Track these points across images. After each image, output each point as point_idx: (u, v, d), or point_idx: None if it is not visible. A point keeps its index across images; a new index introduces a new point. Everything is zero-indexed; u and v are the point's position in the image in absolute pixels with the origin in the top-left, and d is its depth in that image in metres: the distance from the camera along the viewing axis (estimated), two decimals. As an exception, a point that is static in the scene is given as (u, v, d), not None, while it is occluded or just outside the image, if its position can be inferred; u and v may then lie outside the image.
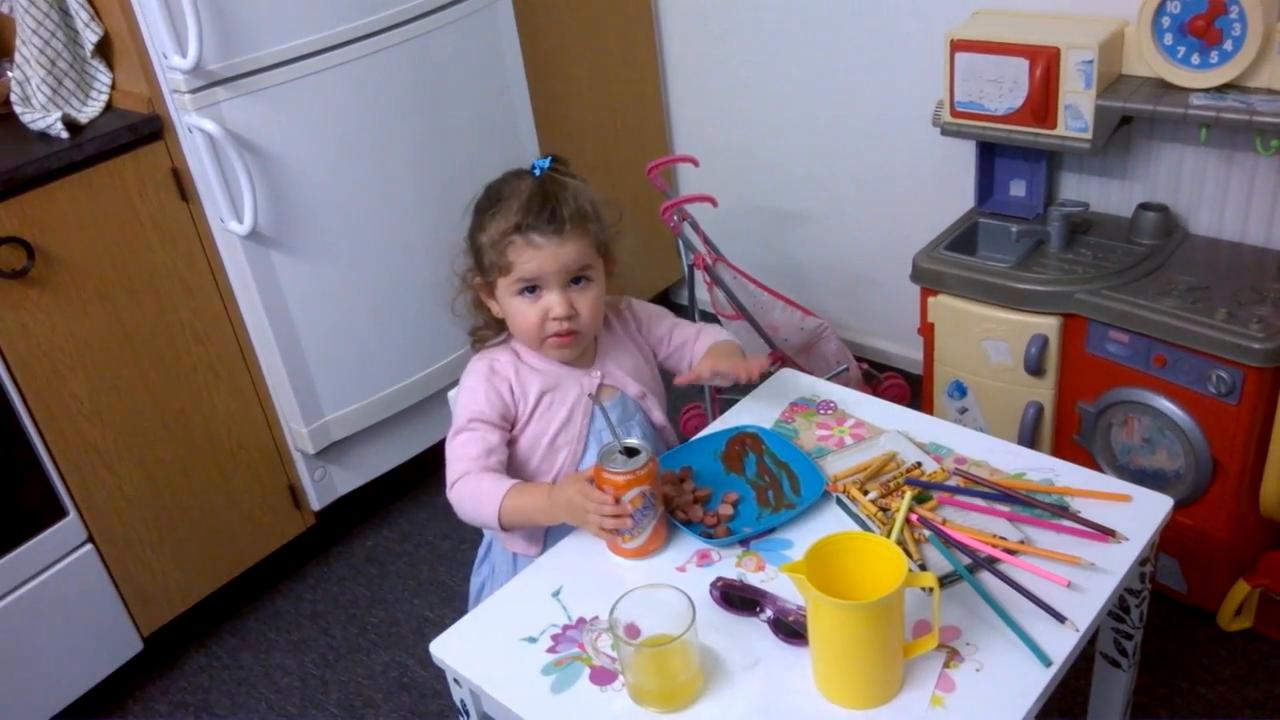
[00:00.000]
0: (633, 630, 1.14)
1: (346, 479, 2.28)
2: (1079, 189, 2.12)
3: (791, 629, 1.16)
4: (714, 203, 2.30)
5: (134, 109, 1.84)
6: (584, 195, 1.37)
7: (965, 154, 2.18)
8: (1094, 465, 1.96)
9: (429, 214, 2.14)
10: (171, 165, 1.86)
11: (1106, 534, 1.25)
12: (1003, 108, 1.94)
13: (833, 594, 1.03)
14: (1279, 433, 1.75)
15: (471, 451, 1.39)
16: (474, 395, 1.42)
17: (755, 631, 1.18)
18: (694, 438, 1.48)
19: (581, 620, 1.23)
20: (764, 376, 1.50)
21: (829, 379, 2.33)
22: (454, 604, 2.17)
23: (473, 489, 1.36)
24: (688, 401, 2.55)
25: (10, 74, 1.84)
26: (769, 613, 1.18)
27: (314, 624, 2.21)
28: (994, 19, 2.01)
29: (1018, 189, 2.14)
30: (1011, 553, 1.23)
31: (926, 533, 1.26)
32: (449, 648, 1.23)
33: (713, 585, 1.23)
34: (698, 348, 1.51)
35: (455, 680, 1.23)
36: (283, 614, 2.25)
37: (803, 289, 2.72)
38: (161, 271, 1.89)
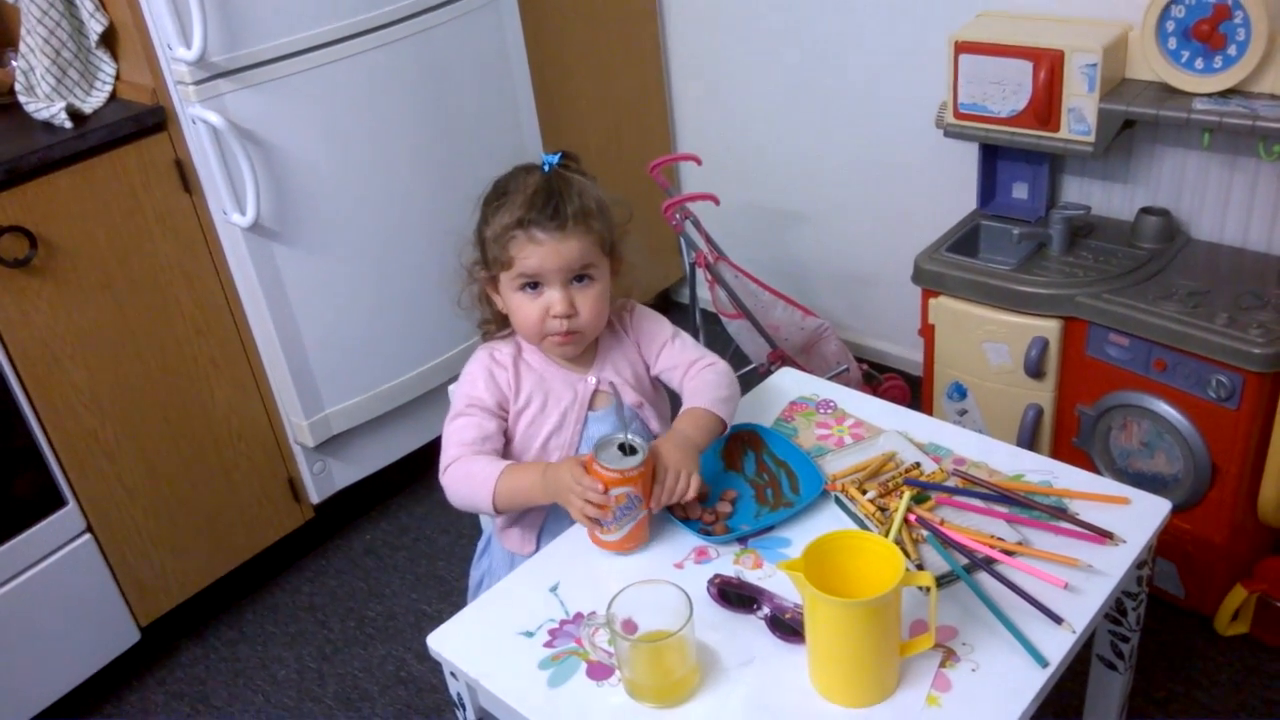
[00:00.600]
0: (630, 626, 1.14)
1: (346, 473, 2.28)
2: (1081, 192, 2.12)
3: (788, 627, 1.16)
4: (716, 201, 2.30)
5: (138, 100, 1.84)
6: (590, 193, 1.37)
7: (968, 155, 2.18)
8: (1093, 468, 1.96)
9: (432, 209, 2.14)
10: (175, 156, 1.86)
11: (1104, 536, 1.25)
12: (1006, 110, 1.94)
13: (830, 592, 1.04)
14: (1278, 438, 1.75)
15: (467, 436, 1.39)
16: (473, 382, 1.43)
17: (752, 629, 1.18)
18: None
19: (579, 615, 1.23)
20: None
21: (829, 379, 2.34)
22: (452, 599, 2.18)
23: (466, 471, 1.36)
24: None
25: (15, 63, 1.84)
26: (766, 610, 1.19)
27: (311, 616, 2.21)
28: (998, 21, 2.01)
29: (1020, 191, 2.14)
30: (1009, 554, 1.23)
31: (924, 532, 1.26)
32: (446, 641, 1.23)
33: (710, 582, 1.23)
34: (685, 386, 1.45)
35: (452, 674, 1.24)
36: (280, 606, 2.25)
37: (804, 289, 2.72)
38: (163, 263, 1.90)
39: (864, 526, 1.30)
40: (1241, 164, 1.89)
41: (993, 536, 1.25)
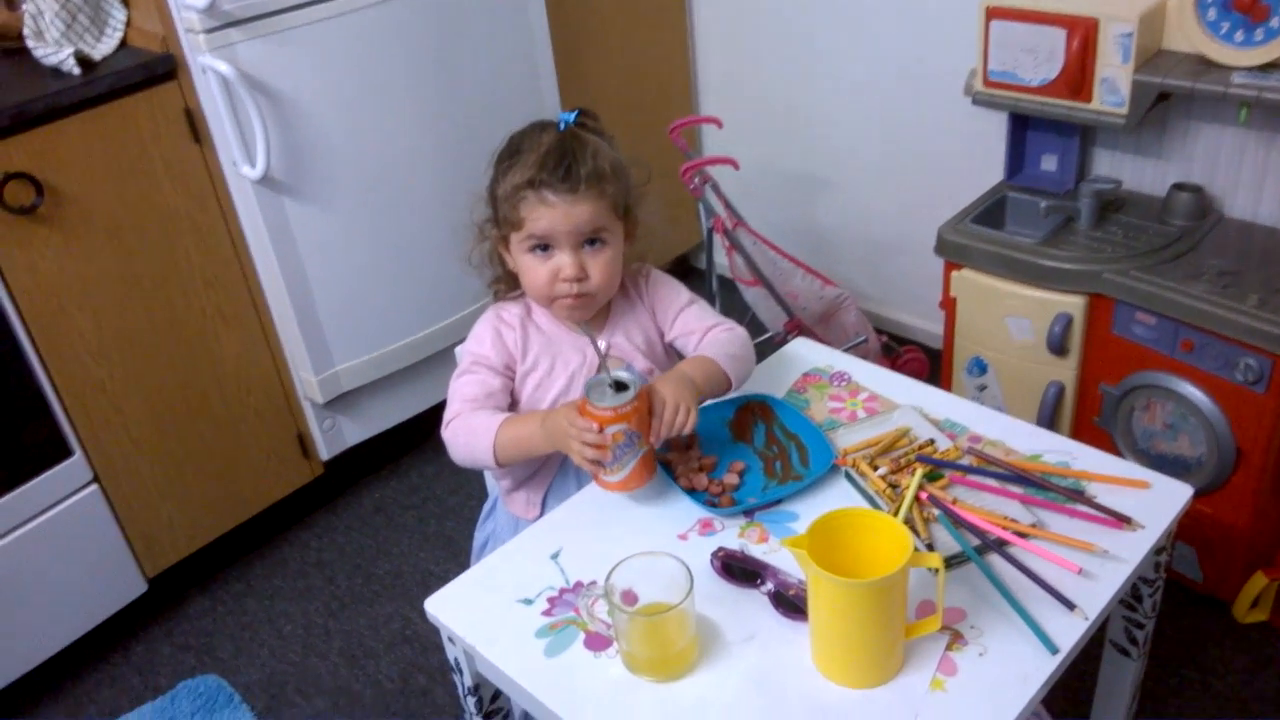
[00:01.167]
0: (630, 597, 1.11)
1: (356, 430, 2.27)
2: (1112, 166, 2.06)
3: (792, 603, 1.14)
4: (736, 165, 2.25)
5: (148, 47, 1.81)
6: (605, 154, 1.33)
7: (997, 125, 2.12)
8: (1114, 449, 1.92)
9: (446, 166, 2.11)
10: (185, 106, 1.83)
11: (1122, 521, 1.22)
12: (1037, 79, 1.88)
13: (835, 570, 1.01)
14: (1305, 423, 1.71)
15: (470, 392, 1.37)
16: (480, 340, 1.40)
17: (755, 604, 1.16)
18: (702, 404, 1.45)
19: (579, 584, 1.21)
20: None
21: (846, 350, 2.30)
22: (459, 559, 2.17)
23: (466, 425, 1.34)
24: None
25: (24, 8, 1.81)
26: (770, 586, 1.16)
27: (319, 572, 2.21)
28: (1032, -14, 1.95)
29: (1049, 163, 2.08)
30: (1022, 536, 1.20)
31: (936, 511, 1.23)
32: (444, 605, 1.21)
33: (713, 555, 1.20)
34: (698, 347, 1.42)
35: (449, 639, 1.22)
36: (289, 561, 2.25)
37: (824, 257, 2.68)
38: (172, 213, 1.87)
39: (874, 503, 1.27)
40: (1279, 141, 1.83)
41: (1006, 518, 1.22)
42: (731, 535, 1.25)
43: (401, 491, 2.40)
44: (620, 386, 1.24)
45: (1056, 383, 1.96)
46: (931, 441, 1.34)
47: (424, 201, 2.11)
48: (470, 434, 1.33)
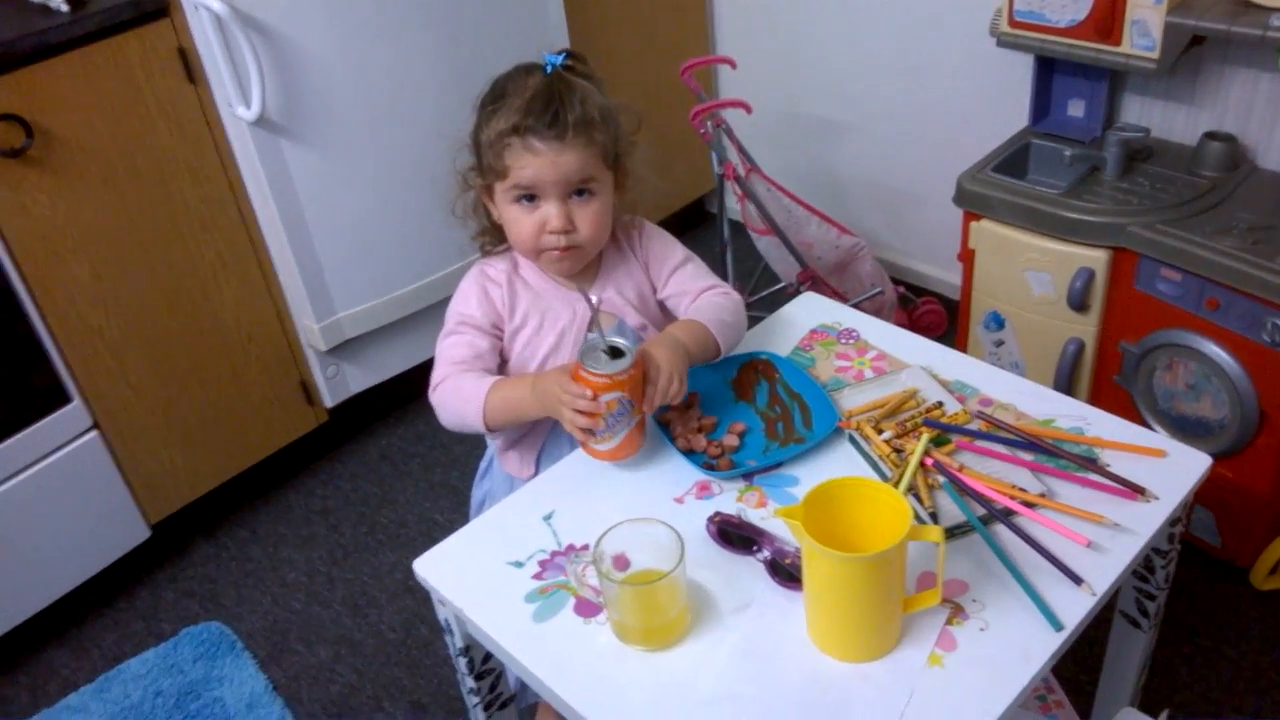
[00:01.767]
0: (621, 562, 1.08)
1: (360, 377, 2.24)
2: (1141, 113, 1.98)
3: (788, 572, 1.10)
4: (748, 109, 2.18)
5: (139, -19, 1.75)
6: (594, 100, 1.27)
7: (1022, 68, 2.04)
8: (1133, 409, 1.87)
9: (450, 108, 2.03)
10: (178, 45, 1.78)
11: (1136, 491, 1.17)
12: (1065, 20, 1.79)
13: (832, 541, 0.97)
14: (1333, 387, 1.65)
15: (457, 354, 1.33)
16: (465, 299, 1.36)
17: (750, 571, 1.12)
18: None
19: (571, 547, 1.18)
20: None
21: (861, 302, 2.25)
22: (464, 509, 2.12)
23: (454, 388, 1.30)
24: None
25: (14, -60, 1.76)
26: (766, 553, 1.12)
27: (323, 520, 2.20)
28: (1064, -79, 1.85)
29: (1075, 109, 2.00)
30: (1030, 506, 1.15)
31: (940, 479, 1.19)
32: (433, 567, 1.19)
33: (709, 520, 1.17)
34: (690, 309, 1.37)
35: (439, 600, 1.19)
36: (293, 508, 2.23)
37: (840, 205, 2.61)
38: (167, 156, 1.83)
39: (877, 468, 1.22)
40: (1320, 88, 1.74)
41: (1014, 486, 1.17)
42: (729, 499, 1.22)
43: (407, 440, 2.38)
44: (616, 353, 1.20)
45: (1076, 339, 1.90)
46: (940, 404, 1.30)
47: (426, 145, 2.03)
48: (459, 398, 1.29)
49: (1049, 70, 1.99)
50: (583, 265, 1.35)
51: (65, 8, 1.68)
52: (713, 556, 1.15)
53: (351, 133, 1.96)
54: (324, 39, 1.86)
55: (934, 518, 1.15)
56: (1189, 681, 1.70)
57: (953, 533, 1.13)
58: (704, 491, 1.23)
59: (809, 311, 1.53)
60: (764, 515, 1.19)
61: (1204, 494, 1.78)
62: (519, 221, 1.29)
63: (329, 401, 2.22)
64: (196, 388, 2.01)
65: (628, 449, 1.23)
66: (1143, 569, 1.27)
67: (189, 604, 2.03)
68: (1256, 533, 1.81)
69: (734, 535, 1.15)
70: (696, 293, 1.39)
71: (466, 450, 2.31)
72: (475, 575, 1.16)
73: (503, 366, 1.38)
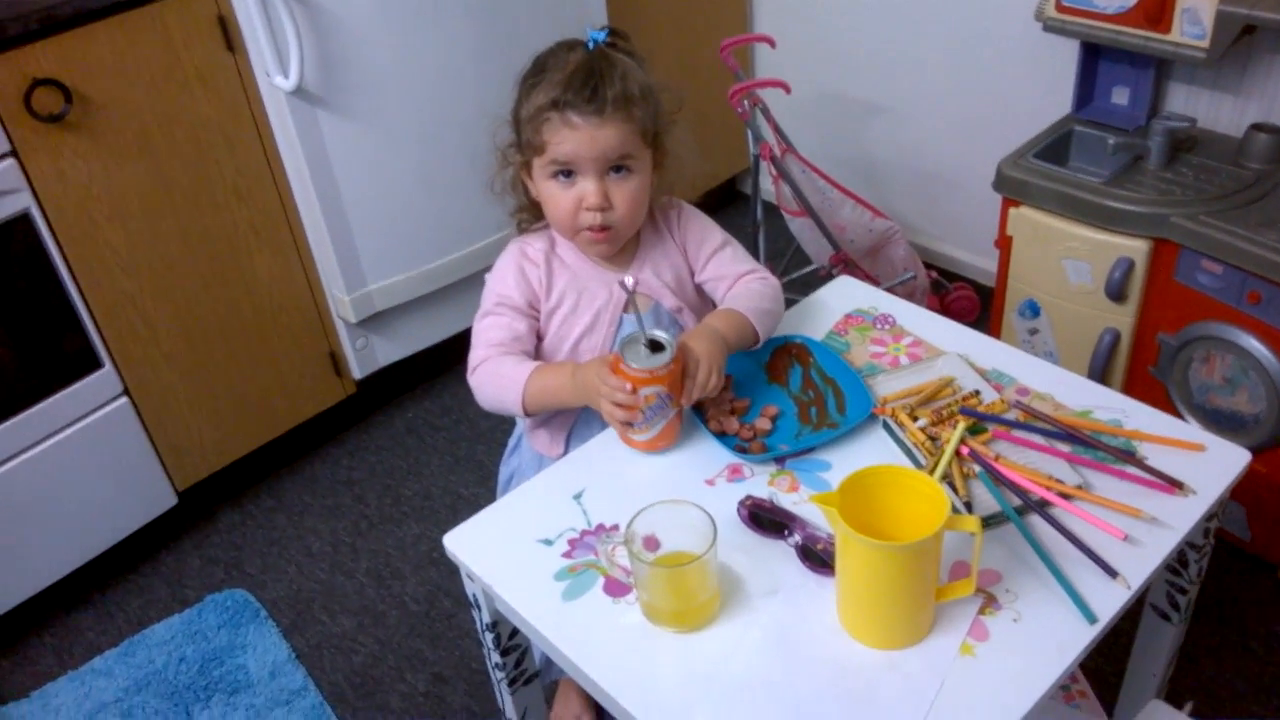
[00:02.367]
0: (651, 542, 1.08)
1: (389, 350, 2.24)
2: (1187, 102, 1.94)
3: (819, 558, 1.09)
4: (787, 89, 2.16)
5: (179, -53, 1.75)
6: (635, 76, 1.25)
7: (1067, 54, 2.01)
8: (1167, 401, 1.85)
9: (486, 81, 2.03)
10: (218, 12, 1.77)
11: (1174, 486, 1.15)
12: (1114, 6, 1.76)
13: (866, 529, 0.96)
14: (1375, 385, 1.62)
15: (495, 337, 1.33)
16: (503, 279, 1.35)
17: (781, 556, 1.12)
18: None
19: (601, 527, 1.18)
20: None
21: (894, 286, 2.23)
22: (489, 484, 2.15)
23: (494, 372, 1.30)
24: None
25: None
26: (797, 538, 1.12)
27: (349, 491, 2.21)
28: (1115, -96, 1.82)
29: (1120, 97, 1.97)
30: (1066, 497, 1.14)
31: (976, 468, 1.17)
32: (463, 542, 1.19)
33: (741, 503, 1.16)
34: (728, 295, 1.36)
35: (468, 575, 1.19)
36: (320, 478, 2.24)
37: (875, 187, 2.58)
38: (204, 124, 1.83)
39: (911, 456, 1.21)
40: (1373, 81, 1.71)
41: (1050, 477, 1.16)
42: (761, 483, 1.21)
43: (434, 413, 2.38)
44: (656, 346, 1.19)
45: (1112, 330, 1.88)
46: (976, 393, 1.28)
47: (462, 118, 2.04)
48: (498, 383, 1.29)
49: (1094, 57, 1.96)
50: (619, 246, 1.34)
51: (105, -27, 1.68)
52: (744, 540, 1.14)
53: (388, 105, 1.95)
54: (363, 10, 1.85)
55: (969, 507, 1.14)
56: (1213, 674, 1.68)
57: (988, 522, 1.12)
58: (735, 474, 1.22)
59: (844, 295, 1.51)
60: (796, 500, 1.18)
61: (1236, 488, 1.76)
62: (556, 198, 1.28)
63: (357, 374, 2.23)
64: (226, 357, 2.02)
65: (665, 440, 1.23)
66: (1176, 563, 1.26)
67: (214, 571, 2.05)
68: (1289, 530, 1.78)
69: (765, 519, 1.15)
70: (735, 277, 1.38)
71: (492, 425, 2.31)
72: (505, 552, 1.16)
73: (539, 345, 1.37)
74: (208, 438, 2.04)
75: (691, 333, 1.26)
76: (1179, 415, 1.82)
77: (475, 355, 1.33)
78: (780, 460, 1.23)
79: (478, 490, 2.15)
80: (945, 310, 2.42)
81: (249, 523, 2.15)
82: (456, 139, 2.05)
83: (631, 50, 1.29)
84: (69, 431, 1.83)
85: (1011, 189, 1.90)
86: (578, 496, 1.22)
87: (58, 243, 1.72)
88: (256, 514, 2.17)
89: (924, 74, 2.41)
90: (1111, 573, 1.06)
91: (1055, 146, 1.95)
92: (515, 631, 1.24)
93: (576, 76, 1.22)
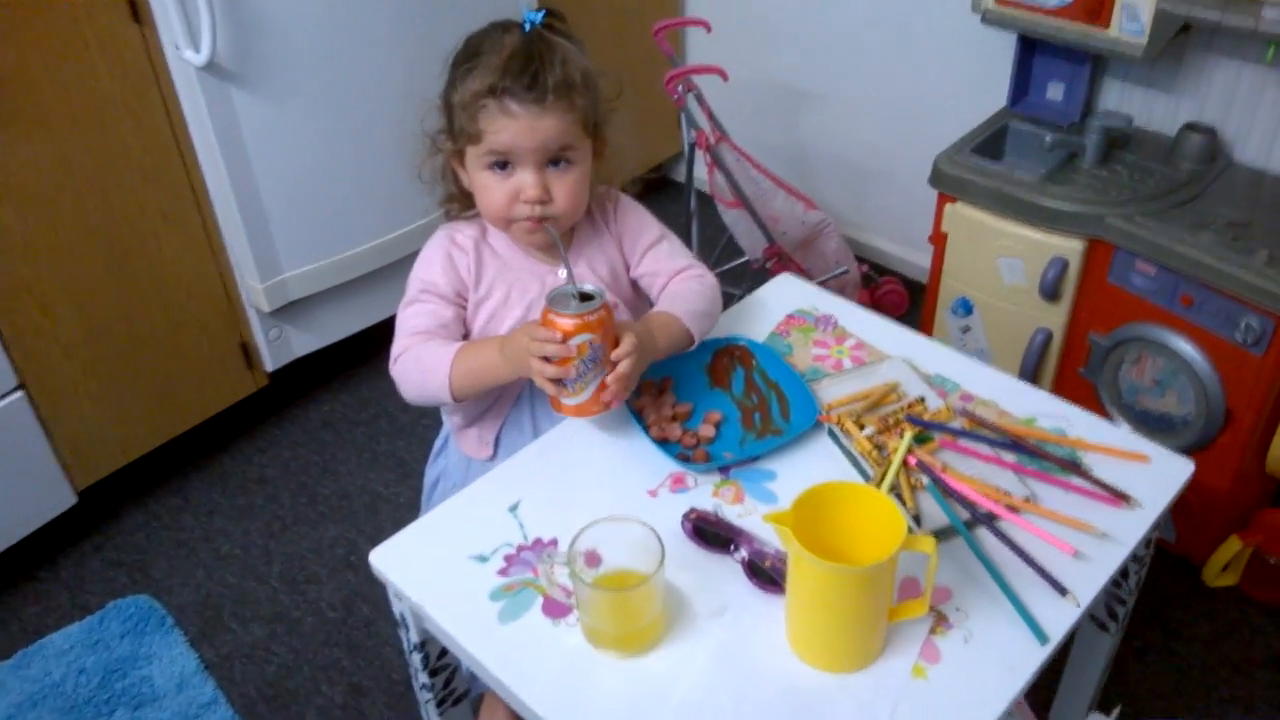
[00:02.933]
0: (592, 558, 1.02)
1: (304, 341, 2.14)
2: (1122, 99, 1.94)
3: (768, 575, 1.05)
4: (724, 76, 2.10)
5: (79, -90, 1.62)
6: (576, 62, 1.19)
7: (1003, 47, 2.00)
8: (1097, 402, 1.85)
9: (408, 60, 1.94)
10: (123, -21, 1.65)
11: (1120, 498, 1.14)
12: (1054, 0, 1.74)
13: (818, 547, 0.92)
14: (1300, 388, 1.64)
15: (420, 324, 1.26)
16: (429, 265, 1.28)
17: (727, 572, 1.07)
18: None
19: (539, 542, 1.12)
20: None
21: (827, 281, 2.20)
22: (410, 481, 2.06)
23: (417, 358, 1.23)
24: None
25: None
26: (744, 553, 1.07)
27: (261, 490, 2.10)
28: (1056, -101, 1.80)
29: (1055, 92, 1.96)
30: (1015, 510, 1.12)
31: (924, 479, 1.14)
32: (391, 558, 1.11)
33: (685, 517, 1.11)
34: (664, 293, 1.32)
35: (395, 594, 1.12)
36: (229, 476, 2.14)
37: (807, 178, 2.55)
38: (108, 100, 1.70)
39: (857, 465, 1.18)
40: (1304, 84, 1.72)
41: (998, 489, 1.14)
42: (705, 493, 1.16)
43: (351, 406, 2.29)
44: (585, 298, 1.13)
45: (1044, 329, 1.88)
46: (921, 399, 1.25)
47: (383, 99, 1.95)
48: (422, 368, 1.22)
49: (1031, 50, 1.94)
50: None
51: (-5, -66, 1.55)
52: (688, 555, 1.09)
53: (307, 83, 1.85)
54: (279, -19, 1.75)
55: (917, 520, 1.11)
56: (1140, 678, 1.69)
57: (937, 537, 1.09)
58: (678, 484, 1.18)
59: (785, 295, 1.47)
60: (741, 512, 1.14)
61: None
62: (490, 189, 1.21)
63: (270, 365, 2.12)
64: (131, 348, 1.90)
65: (598, 404, 1.17)
66: (1117, 573, 1.25)
67: (116, 575, 1.93)
68: (1212, 530, 1.80)
69: (710, 533, 1.10)
70: (670, 274, 1.33)
71: (412, 419, 2.22)
72: (435, 569, 1.10)
73: (465, 339, 1.30)
74: (110, 433, 1.92)
75: (622, 323, 1.20)
76: (1108, 416, 1.83)
77: (398, 345, 1.26)
78: (724, 469, 1.19)
79: (398, 489, 2.06)
80: (875, 304, 2.40)
81: (154, 524, 2.03)
82: (379, 119, 1.95)
83: (569, 33, 1.23)
84: (-45, 428, 1.71)
85: (948, 185, 1.88)
86: (513, 508, 1.16)
87: (-57, 225, 1.59)
88: (162, 514, 2.05)
89: (859, 63, 2.38)
90: (1062, 590, 1.04)
91: (991, 141, 1.94)
92: (445, 651, 1.18)
93: (515, 61, 1.15)
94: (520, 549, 1.11)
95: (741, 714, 0.95)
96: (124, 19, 1.68)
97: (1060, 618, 1.02)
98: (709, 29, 2.18)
